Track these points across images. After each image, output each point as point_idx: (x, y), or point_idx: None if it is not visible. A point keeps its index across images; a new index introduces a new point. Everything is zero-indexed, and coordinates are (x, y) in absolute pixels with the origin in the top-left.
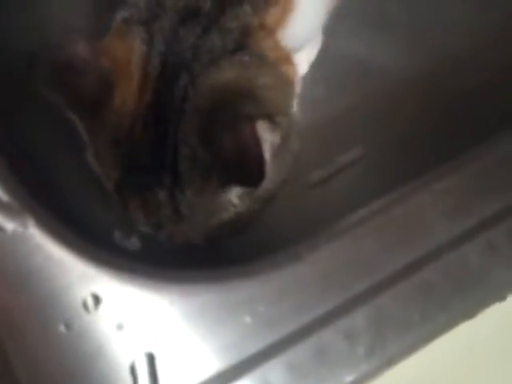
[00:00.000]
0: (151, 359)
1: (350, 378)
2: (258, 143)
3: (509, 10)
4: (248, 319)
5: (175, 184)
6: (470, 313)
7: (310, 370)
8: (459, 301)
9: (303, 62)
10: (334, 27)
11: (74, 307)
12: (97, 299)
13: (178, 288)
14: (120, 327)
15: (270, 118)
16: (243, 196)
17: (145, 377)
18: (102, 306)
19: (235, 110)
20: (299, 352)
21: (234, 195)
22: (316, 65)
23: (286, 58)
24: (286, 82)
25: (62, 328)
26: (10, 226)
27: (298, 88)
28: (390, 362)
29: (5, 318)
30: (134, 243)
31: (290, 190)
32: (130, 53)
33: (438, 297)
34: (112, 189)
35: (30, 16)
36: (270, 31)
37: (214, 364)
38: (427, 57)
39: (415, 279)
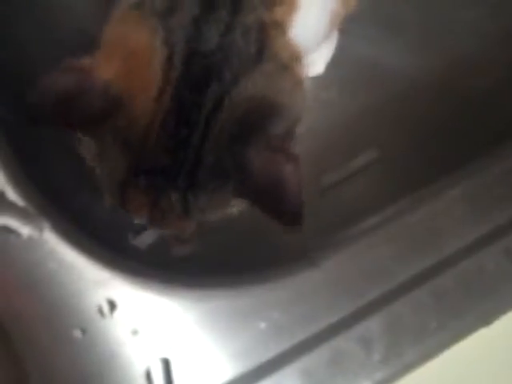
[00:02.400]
0: (166, 365)
1: None
2: (297, 183)
3: None
4: (262, 325)
5: (190, 188)
6: (485, 320)
7: (325, 376)
8: (475, 308)
9: (319, 62)
10: (346, 29)
11: (89, 312)
12: (112, 304)
13: (193, 294)
14: (135, 332)
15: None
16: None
17: (160, 382)
18: (117, 312)
19: (266, 130)
20: (314, 359)
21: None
22: (329, 67)
23: (298, 58)
24: (302, 86)
25: (77, 333)
26: (25, 230)
27: (307, 89)
28: (406, 369)
29: (20, 323)
30: (144, 240)
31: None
32: (144, 50)
33: (453, 304)
34: (109, 186)
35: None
36: (282, 28)
37: (229, 370)
38: (440, 58)
39: (430, 286)
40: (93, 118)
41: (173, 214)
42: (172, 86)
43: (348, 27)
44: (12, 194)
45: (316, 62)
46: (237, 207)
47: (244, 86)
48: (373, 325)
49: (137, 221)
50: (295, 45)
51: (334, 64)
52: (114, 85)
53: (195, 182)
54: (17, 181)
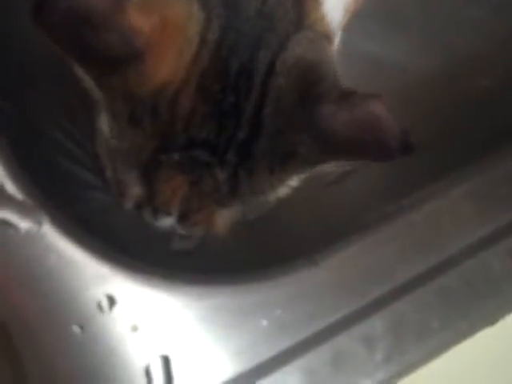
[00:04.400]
0: (166, 362)
1: None
2: (388, 115)
3: None
4: (264, 323)
5: (243, 163)
6: (490, 319)
7: (327, 375)
8: (479, 307)
9: None
10: (349, 25)
11: (89, 308)
12: (111, 300)
13: (194, 290)
14: (135, 329)
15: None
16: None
17: (159, 379)
18: (116, 307)
19: (329, 86)
20: (316, 357)
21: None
22: None
23: (332, 33)
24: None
25: (76, 329)
26: (23, 224)
27: None
28: (408, 368)
29: (18, 318)
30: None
31: (303, 189)
32: (181, 11)
33: (457, 303)
34: (127, 174)
35: None
36: (317, 1)
37: (230, 368)
38: (442, 56)
39: (434, 285)
40: (108, 56)
41: (212, 203)
42: (209, 50)
43: (351, 23)
44: (11, 188)
45: None
46: (290, 187)
47: (292, 49)
48: (375, 324)
49: (127, 207)
50: (329, 21)
51: (335, 60)
52: (143, 35)
53: (250, 157)
54: (16, 174)
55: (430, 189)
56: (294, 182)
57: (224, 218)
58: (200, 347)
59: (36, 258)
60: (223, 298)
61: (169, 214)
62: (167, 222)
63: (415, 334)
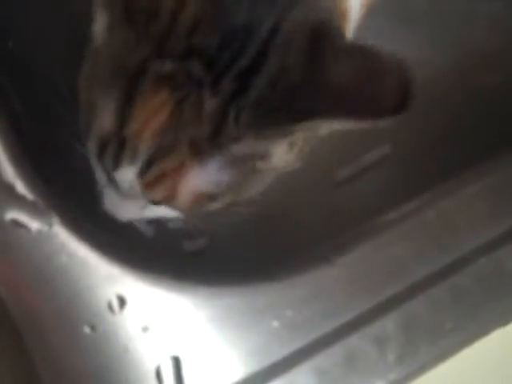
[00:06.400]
0: (177, 363)
1: None
2: (393, 72)
3: None
4: (275, 323)
5: (234, 99)
6: (503, 320)
7: (339, 376)
8: (492, 307)
9: None
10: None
11: (99, 308)
12: (122, 301)
13: (205, 291)
14: (145, 329)
15: None
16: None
17: (170, 380)
18: (127, 308)
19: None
20: (328, 358)
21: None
22: None
23: (344, 14)
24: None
25: (86, 329)
26: (34, 224)
27: None
28: (421, 369)
29: (29, 318)
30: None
31: (315, 187)
32: None
33: (470, 303)
34: (110, 79)
35: None
36: None
37: (241, 369)
38: (452, 52)
39: (447, 284)
40: None
41: (186, 148)
42: None
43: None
44: (22, 188)
45: None
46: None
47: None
48: (388, 324)
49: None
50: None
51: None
52: None
53: (245, 92)
54: (26, 175)
55: (443, 187)
56: (283, 151)
57: (190, 188)
58: (211, 348)
59: (47, 258)
60: (234, 299)
61: (135, 153)
62: (128, 172)
63: (428, 334)
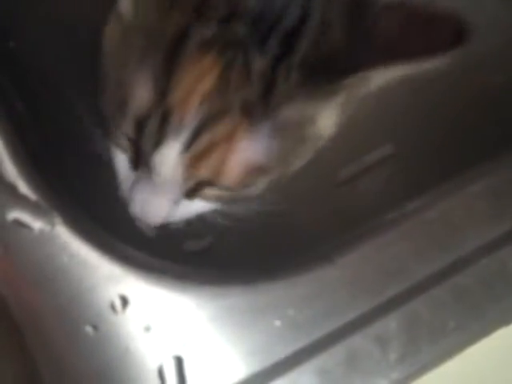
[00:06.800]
0: (179, 362)
1: None
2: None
3: None
4: (277, 323)
5: (282, 57)
6: (505, 319)
7: (341, 375)
8: (495, 307)
9: None
10: None
11: (102, 308)
12: (124, 300)
13: (207, 290)
14: (147, 329)
15: None
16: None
17: (172, 380)
18: (129, 308)
19: None
20: (330, 357)
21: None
22: None
23: None
24: None
25: (88, 329)
26: (37, 224)
27: None
28: (423, 368)
29: (31, 318)
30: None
31: (317, 187)
32: None
33: (472, 302)
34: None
35: None
36: None
37: (243, 368)
38: (452, 52)
39: (449, 284)
40: None
41: (238, 112)
42: None
43: None
44: (24, 188)
45: None
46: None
47: None
48: (390, 323)
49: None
50: None
51: None
52: None
53: (293, 51)
54: (28, 175)
55: (445, 187)
56: (327, 115)
57: (240, 160)
58: (213, 347)
59: (49, 258)
60: (236, 298)
61: (181, 124)
62: (171, 150)
63: (430, 334)
